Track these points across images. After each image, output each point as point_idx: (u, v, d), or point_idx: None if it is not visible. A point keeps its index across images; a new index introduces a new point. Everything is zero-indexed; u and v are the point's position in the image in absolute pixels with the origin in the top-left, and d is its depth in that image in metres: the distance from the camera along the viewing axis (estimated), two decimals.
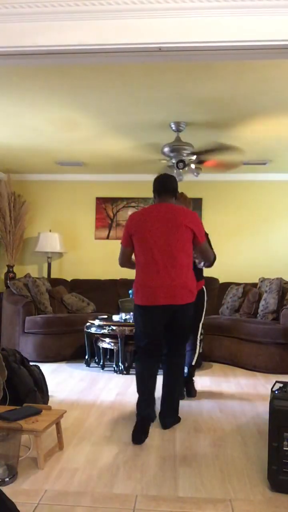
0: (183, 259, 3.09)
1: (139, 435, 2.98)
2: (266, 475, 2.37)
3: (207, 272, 3.99)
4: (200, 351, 4.14)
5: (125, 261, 3.35)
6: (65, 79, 3.65)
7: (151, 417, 3.17)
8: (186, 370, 3.93)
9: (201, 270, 3.87)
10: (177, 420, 3.32)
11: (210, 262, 3.43)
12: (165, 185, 3.27)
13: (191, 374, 4.07)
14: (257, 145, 5.33)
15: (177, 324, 3.17)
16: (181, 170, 4.78)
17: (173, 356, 3.31)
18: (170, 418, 3.25)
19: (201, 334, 4.09)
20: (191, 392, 4.05)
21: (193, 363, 4.07)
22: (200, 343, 4.09)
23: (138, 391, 3.18)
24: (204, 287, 4.05)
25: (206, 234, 4.05)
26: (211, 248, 3.57)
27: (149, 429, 3.08)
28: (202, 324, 4.08)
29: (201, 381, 4.61)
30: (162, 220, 3.11)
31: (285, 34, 2.28)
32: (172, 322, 3.15)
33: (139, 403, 3.15)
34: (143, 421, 3.09)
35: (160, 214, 3.14)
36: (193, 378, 4.13)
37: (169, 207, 3.19)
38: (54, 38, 2.37)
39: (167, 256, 3.06)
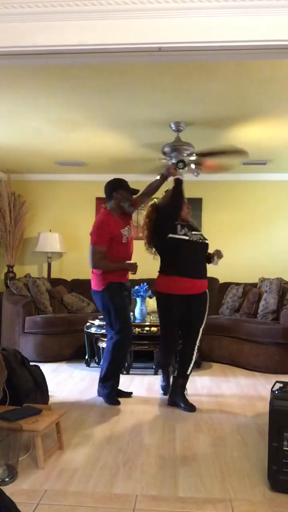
0: None
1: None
2: (266, 475, 2.37)
3: (208, 272, 3.88)
4: (196, 359, 3.78)
5: None
6: (65, 79, 3.65)
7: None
8: (180, 381, 3.68)
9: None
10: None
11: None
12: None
13: (182, 385, 3.72)
14: (257, 145, 5.32)
15: None
16: (181, 170, 4.78)
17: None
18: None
19: (199, 341, 3.73)
20: (190, 406, 3.62)
21: (188, 372, 3.72)
22: (197, 350, 3.74)
23: None
24: (207, 290, 3.78)
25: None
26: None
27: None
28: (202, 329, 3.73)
29: (201, 381, 4.61)
30: None
31: (285, 34, 2.28)
32: None
33: None
34: None
35: None
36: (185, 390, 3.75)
37: None
38: (54, 38, 2.37)
39: None
